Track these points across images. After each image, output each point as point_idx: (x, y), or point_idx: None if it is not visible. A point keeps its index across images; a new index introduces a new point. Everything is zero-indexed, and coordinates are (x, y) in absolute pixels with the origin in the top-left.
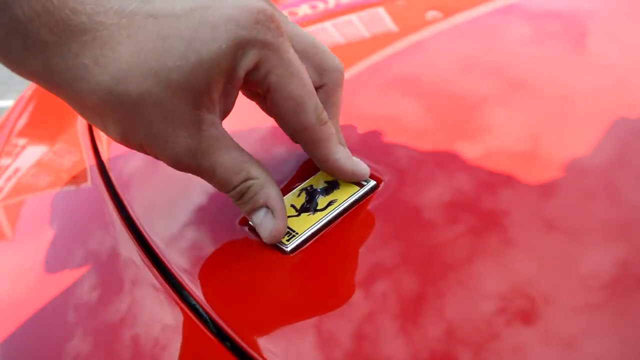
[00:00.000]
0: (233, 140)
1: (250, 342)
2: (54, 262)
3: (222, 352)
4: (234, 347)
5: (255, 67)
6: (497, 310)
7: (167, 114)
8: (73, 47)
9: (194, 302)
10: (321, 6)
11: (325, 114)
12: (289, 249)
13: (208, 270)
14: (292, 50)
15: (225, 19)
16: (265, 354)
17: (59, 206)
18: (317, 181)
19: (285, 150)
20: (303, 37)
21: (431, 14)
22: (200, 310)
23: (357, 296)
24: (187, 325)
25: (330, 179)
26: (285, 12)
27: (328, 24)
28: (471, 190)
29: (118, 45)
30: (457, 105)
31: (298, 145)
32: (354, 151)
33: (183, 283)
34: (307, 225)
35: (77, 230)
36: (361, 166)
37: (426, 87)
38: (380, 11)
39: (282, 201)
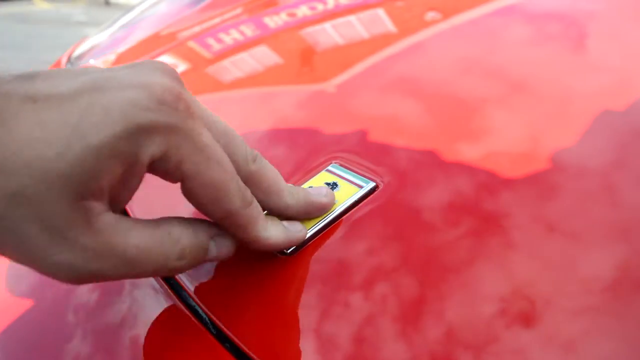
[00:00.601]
0: (133, 219)
1: (250, 343)
2: None
3: (222, 353)
4: (234, 349)
5: (165, 157)
6: (497, 312)
7: (46, 215)
8: None
9: (193, 304)
10: (320, 7)
11: (248, 193)
12: (288, 251)
13: (207, 271)
14: (205, 132)
15: (121, 101)
16: (265, 356)
17: None
18: (316, 183)
19: (282, 151)
20: (216, 124)
21: (430, 15)
22: (200, 311)
23: (357, 298)
24: (186, 327)
25: (329, 180)
26: (284, 13)
27: (327, 25)
28: (470, 192)
29: None
30: (457, 107)
31: (297, 146)
32: (354, 153)
33: (182, 284)
34: (306, 227)
35: None
36: (295, 229)
37: (426, 88)
38: (380, 12)
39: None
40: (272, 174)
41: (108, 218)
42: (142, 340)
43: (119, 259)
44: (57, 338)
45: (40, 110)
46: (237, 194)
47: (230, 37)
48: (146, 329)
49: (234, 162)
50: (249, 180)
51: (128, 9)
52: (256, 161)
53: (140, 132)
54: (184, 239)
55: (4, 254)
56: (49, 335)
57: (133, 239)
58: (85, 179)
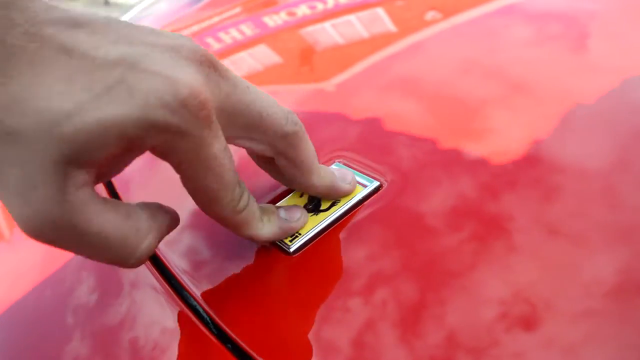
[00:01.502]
0: (106, 202)
1: (251, 344)
2: (54, 264)
3: (224, 354)
4: (235, 349)
5: (166, 153)
6: (500, 316)
7: (30, 164)
8: None
9: (195, 304)
10: (320, 6)
11: (242, 203)
12: (292, 250)
13: (209, 271)
14: (216, 143)
15: (147, 88)
16: (267, 356)
17: None
18: None
19: None
20: (252, 103)
21: (430, 15)
22: (202, 311)
23: (360, 298)
24: (188, 327)
25: None
26: (283, 13)
27: (327, 24)
28: (474, 192)
29: (12, 72)
30: (461, 106)
31: None
32: (358, 152)
33: (184, 284)
34: (310, 226)
35: None
36: (293, 218)
37: (428, 87)
38: (380, 11)
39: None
40: (307, 151)
41: (84, 194)
42: (143, 340)
43: (74, 238)
44: (56, 338)
45: (72, 67)
46: (229, 204)
47: (230, 36)
48: (147, 330)
49: (273, 131)
50: (286, 151)
51: (127, 8)
52: (297, 134)
53: (152, 126)
54: (150, 237)
55: None
56: (49, 336)
57: (97, 226)
58: (81, 148)
